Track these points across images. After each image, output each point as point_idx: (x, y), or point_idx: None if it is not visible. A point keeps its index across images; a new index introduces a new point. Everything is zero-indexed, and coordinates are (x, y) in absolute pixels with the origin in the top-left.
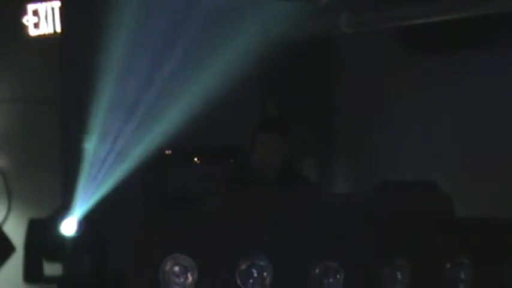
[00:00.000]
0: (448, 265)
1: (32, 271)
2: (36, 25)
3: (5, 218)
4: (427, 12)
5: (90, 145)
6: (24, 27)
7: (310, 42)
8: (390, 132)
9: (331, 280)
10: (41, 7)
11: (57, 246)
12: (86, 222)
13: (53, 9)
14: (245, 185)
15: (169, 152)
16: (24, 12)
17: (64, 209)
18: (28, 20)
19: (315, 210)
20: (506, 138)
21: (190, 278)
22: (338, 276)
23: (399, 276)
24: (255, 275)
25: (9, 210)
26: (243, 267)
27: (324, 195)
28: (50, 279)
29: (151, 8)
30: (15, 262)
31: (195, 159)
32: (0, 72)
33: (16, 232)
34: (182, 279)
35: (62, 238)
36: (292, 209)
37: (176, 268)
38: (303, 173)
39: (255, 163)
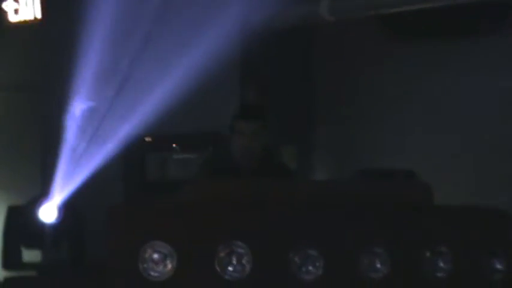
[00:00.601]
0: (427, 253)
1: (10, 258)
2: (16, 11)
3: None
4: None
5: (71, 132)
6: (3, 13)
7: (291, 30)
8: (370, 120)
9: (310, 268)
10: None
11: (36, 233)
12: (65, 209)
13: None
14: (224, 172)
15: (149, 139)
16: None
17: (43, 195)
18: (8, 5)
19: (295, 198)
20: (485, 127)
21: (169, 266)
22: (317, 264)
23: (378, 264)
24: (234, 262)
25: None
26: (222, 254)
27: (304, 183)
28: (29, 266)
29: None
30: None
31: (175, 146)
32: None
33: None
34: (161, 267)
35: (41, 225)
36: (272, 197)
37: (155, 255)
38: (283, 161)
39: (234, 151)
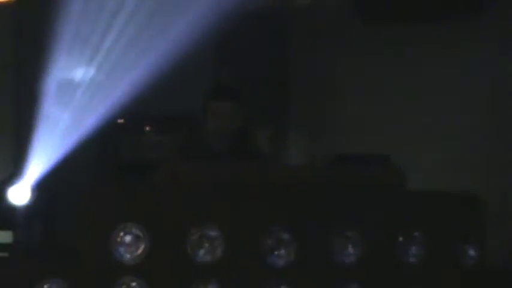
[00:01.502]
0: (400, 238)
1: None
2: None
3: None
4: None
5: (45, 110)
6: None
7: (265, 12)
8: (344, 104)
9: (282, 251)
10: None
11: (8, 214)
12: (38, 189)
13: None
14: (197, 154)
15: (122, 120)
16: None
17: (15, 175)
18: None
19: (267, 181)
20: (460, 111)
21: (141, 248)
22: (290, 248)
23: (351, 248)
24: (206, 245)
25: None
26: (194, 237)
27: (277, 166)
28: (1, 247)
29: None
30: None
31: (147, 128)
32: None
33: None
34: (133, 249)
35: (13, 206)
36: (245, 179)
37: (128, 237)
38: (257, 144)
39: (207, 133)
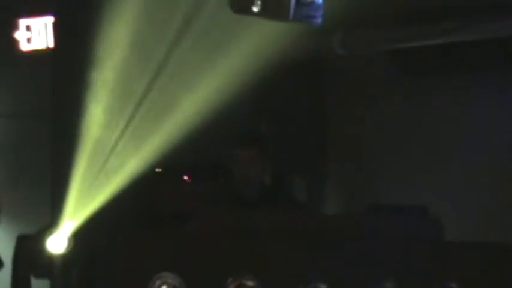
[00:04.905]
0: None
1: (19, 287)
2: (28, 40)
3: None
4: (423, 34)
5: (81, 160)
6: (16, 42)
7: (303, 63)
8: (382, 153)
9: None
10: (33, 22)
11: (45, 263)
12: (75, 238)
13: (45, 24)
14: (229, 204)
15: (160, 169)
16: (16, 27)
17: (53, 225)
18: (20, 35)
19: (304, 231)
20: (496, 162)
21: None
22: None
23: None
24: None
25: None
26: (231, 287)
27: (314, 216)
28: None
29: (142, 26)
30: (4, 278)
31: (185, 177)
32: None
33: (5, 247)
34: None
35: (51, 254)
36: (281, 229)
37: (164, 287)
38: (291, 193)
39: (235, 180)
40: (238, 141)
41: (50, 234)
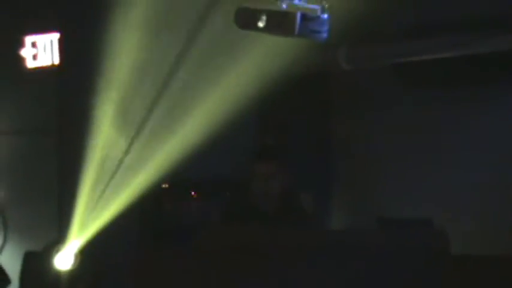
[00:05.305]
0: None
1: None
2: (34, 57)
3: (1, 250)
4: (428, 48)
5: (87, 177)
6: (22, 59)
7: (308, 78)
8: (387, 167)
9: None
10: (39, 39)
11: (52, 280)
12: (82, 255)
13: (51, 41)
14: (245, 217)
15: (166, 185)
16: (22, 44)
17: (60, 241)
18: (26, 52)
19: (314, 245)
20: (500, 174)
21: None
22: None
23: None
24: None
25: (5, 241)
26: None
27: (323, 231)
28: None
29: (147, 43)
30: None
31: (192, 193)
32: None
33: (12, 264)
34: None
35: (58, 271)
36: (291, 244)
37: None
38: (302, 206)
39: (253, 193)
40: (258, 155)
41: (57, 251)
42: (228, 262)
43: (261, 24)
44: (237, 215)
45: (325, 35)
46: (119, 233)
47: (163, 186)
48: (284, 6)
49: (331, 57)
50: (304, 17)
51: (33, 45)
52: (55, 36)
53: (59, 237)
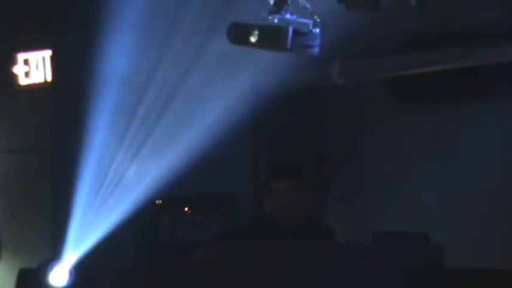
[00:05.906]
0: None
1: None
2: (26, 74)
3: None
4: (421, 62)
5: (81, 194)
6: (14, 76)
7: (301, 92)
8: (381, 180)
9: None
10: (31, 56)
11: None
12: (77, 271)
13: (43, 58)
14: (266, 233)
15: (160, 201)
16: (14, 61)
17: (54, 258)
18: (19, 69)
19: (314, 259)
20: (496, 189)
21: None
22: None
23: None
24: None
25: None
26: None
27: (322, 245)
28: None
29: (140, 59)
30: None
31: (186, 209)
32: None
33: (7, 282)
34: None
35: (53, 287)
36: (288, 257)
37: None
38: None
39: (270, 211)
40: (273, 171)
41: (52, 267)
42: (226, 277)
43: (253, 39)
44: (260, 230)
45: (317, 49)
46: (114, 249)
47: (157, 202)
48: (276, 21)
49: (323, 71)
50: (296, 31)
51: (26, 62)
52: (47, 53)
53: (54, 254)
